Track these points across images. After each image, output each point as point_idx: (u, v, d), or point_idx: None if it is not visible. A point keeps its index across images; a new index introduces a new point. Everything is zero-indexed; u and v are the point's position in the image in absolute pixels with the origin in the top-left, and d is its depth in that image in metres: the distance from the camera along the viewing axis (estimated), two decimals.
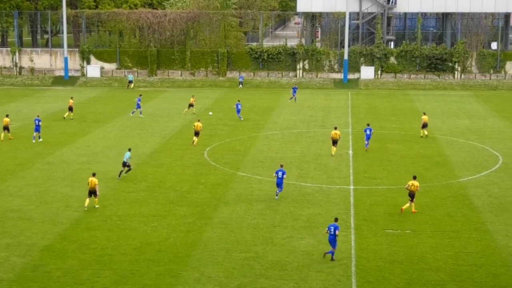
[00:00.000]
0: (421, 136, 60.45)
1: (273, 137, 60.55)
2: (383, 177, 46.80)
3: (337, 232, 31.62)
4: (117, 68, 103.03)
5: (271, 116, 71.58)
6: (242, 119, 68.63)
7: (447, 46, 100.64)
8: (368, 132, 55.19)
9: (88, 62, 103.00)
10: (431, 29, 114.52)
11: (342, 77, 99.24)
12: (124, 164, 46.12)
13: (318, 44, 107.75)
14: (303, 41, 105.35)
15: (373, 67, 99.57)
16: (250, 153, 54.02)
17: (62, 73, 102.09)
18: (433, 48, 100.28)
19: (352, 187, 44.41)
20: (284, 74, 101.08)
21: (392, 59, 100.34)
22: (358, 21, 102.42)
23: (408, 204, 38.99)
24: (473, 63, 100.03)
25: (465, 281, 29.50)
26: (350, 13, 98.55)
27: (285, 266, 31.06)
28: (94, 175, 40.08)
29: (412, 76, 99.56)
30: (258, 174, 47.27)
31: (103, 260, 31.62)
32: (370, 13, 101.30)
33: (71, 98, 73.18)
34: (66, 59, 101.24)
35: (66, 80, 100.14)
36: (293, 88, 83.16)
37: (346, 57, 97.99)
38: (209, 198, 41.78)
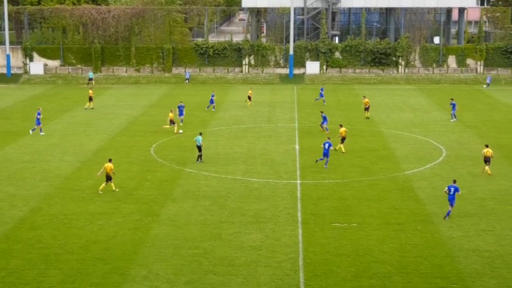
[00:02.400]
0: (367, 117, 66.79)
1: (220, 133, 60.52)
2: (330, 171, 47.11)
3: (457, 193, 36.87)
4: (60, 65, 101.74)
5: (218, 112, 71.48)
6: (210, 110, 72.35)
7: (390, 41, 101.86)
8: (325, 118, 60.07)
9: (31, 59, 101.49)
10: (375, 24, 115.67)
11: (287, 72, 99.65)
12: (200, 148, 49.16)
13: (263, 40, 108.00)
14: (249, 36, 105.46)
15: (318, 62, 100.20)
16: (197, 149, 53.80)
17: (4, 71, 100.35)
18: (377, 43, 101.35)
19: (299, 181, 44.64)
20: (230, 69, 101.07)
21: (337, 54, 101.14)
22: (303, 16, 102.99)
23: (486, 168, 45.22)
24: (417, 58, 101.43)
25: (411, 273, 29.93)
26: (295, 8, 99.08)
27: (233, 262, 31.10)
28: (110, 160, 42.07)
29: (357, 70, 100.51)
30: (205, 170, 47.19)
31: (49, 260, 31.23)
32: (314, 8, 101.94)
33: (91, 89, 77.68)
34: (8, 56, 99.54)
35: (8, 78, 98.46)
36: (321, 89, 79.56)
37: (291, 52, 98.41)
38: (156, 195, 41.58)
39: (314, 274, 29.81)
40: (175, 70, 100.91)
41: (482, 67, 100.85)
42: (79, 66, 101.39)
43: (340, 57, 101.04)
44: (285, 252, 32.23)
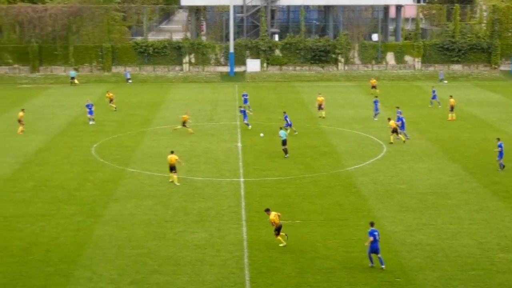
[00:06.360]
0: (320, 117, 65.72)
1: (162, 132, 60.18)
2: (272, 169, 47.29)
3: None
4: None
5: (159, 111, 71.06)
6: (251, 110, 67.73)
7: (330, 38, 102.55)
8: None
9: None
10: (314, 21, 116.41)
11: (228, 70, 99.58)
12: (284, 143, 50.36)
13: (203, 38, 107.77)
14: (188, 35, 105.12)
15: (259, 60, 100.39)
16: (139, 149, 53.51)
17: None
18: (317, 40, 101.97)
19: (242, 179, 44.70)
20: (170, 68, 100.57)
21: (277, 52, 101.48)
22: (242, 14, 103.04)
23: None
24: (356, 55, 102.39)
25: (355, 268, 30.25)
26: (234, 6, 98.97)
27: (178, 261, 31.01)
28: (172, 152, 43.81)
29: (297, 68, 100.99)
30: (148, 170, 46.89)
31: None
32: (254, 6, 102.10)
33: (108, 92, 75.13)
34: None
35: None
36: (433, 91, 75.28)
37: (231, 50, 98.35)
38: (99, 195, 41.16)
39: (260, 271, 29.89)
40: (114, 69, 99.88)
41: (419, 63, 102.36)
42: (16, 65, 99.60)
43: (280, 55, 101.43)
44: (230, 250, 32.26)
